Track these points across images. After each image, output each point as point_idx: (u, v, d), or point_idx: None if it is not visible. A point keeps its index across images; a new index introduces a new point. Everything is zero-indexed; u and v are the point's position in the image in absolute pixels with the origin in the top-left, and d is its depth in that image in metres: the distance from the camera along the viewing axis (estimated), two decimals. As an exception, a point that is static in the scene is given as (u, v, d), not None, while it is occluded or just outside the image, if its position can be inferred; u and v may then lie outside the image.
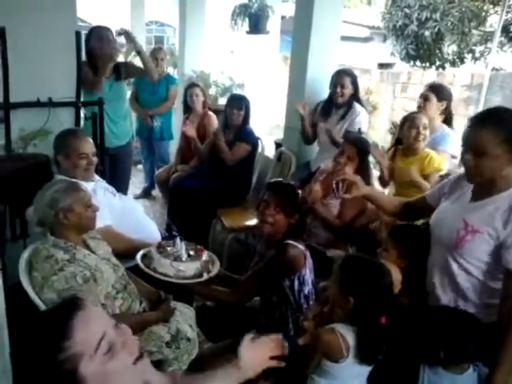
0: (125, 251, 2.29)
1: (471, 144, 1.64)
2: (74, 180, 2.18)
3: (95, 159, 2.50)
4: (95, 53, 3.41)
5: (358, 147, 2.86)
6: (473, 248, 1.70)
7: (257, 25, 5.86)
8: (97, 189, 2.46)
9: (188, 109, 4.38)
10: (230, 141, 3.78)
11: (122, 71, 3.55)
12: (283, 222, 2.13)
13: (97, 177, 2.63)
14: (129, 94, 4.14)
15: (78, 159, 2.41)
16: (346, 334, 1.64)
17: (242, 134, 3.79)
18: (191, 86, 4.41)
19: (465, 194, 1.81)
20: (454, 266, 1.77)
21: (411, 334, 1.86)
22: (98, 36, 3.40)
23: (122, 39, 3.64)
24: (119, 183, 3.49)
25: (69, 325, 1.10)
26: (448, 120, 3.27)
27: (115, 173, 3.56)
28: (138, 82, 4.71)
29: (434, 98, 3.20)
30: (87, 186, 2.26)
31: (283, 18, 7.96)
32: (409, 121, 2.99)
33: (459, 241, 1.72)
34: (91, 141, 2.57)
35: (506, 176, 1.66)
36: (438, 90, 3.24)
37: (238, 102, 3.78)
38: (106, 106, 3.35)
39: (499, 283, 1.69)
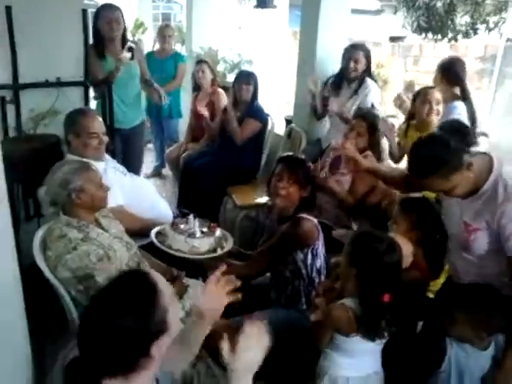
0: (137, 230, 2.31)
1: (432, 190, 1.73)
2: (84, 160, 2.18)
3: (105, 138, 2.50)
4: (103, 35, 3.31)
5: (368, 122, 2.82)
6: (479, 244, 1.72)
7: (264, -1, 5.75)
8: (108, 168, 2.46)
9: (197, 86, 4.35)
10: (240, 117, 3.75)
11: (134, 51, 3.43)
12: (296, 194, 2.14)
13: (107, 156, 2.63)
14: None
15: (88, 138, 2.40)
16: (357, 309, 1.66)
17: (252, 110, 3.75)
18: (199, 63, 4.36)
19: None
20: (470, 257, 1.79)
21: (436, 311, 1.88)
22: (106, 18, 3.27)
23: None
24: (132, 163, 3.51)
25: (156, 294, 1.15)
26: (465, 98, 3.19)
27: (128, 153, 3.56)
28: (146, 59, 4.67)
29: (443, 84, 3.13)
30: (98, 165, 2.28)
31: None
32: (422, 95, 2.94)
33: (466, 242, 1.75)
34: (101, 120, 2.56)
35: (478, 174, 1.66)
36: (448, 74, 3.16)
37: (247, 78, 3.75)
38: (117, 88, 3.33)
39: None
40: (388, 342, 1.75)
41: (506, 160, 1.75)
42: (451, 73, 3.16)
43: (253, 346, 1.27)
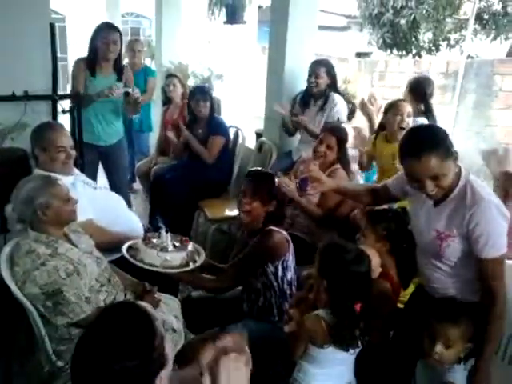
0: (107, 244, 2.29)
1: (423, 175, 1.66)
2: (50, 174, 2.15)
3: (73, 153, 2.47)
4: (99, 54, 3.29)
5: (337, 136, 2.88)
6: (452, 251, 1.75)
7: (234, 15, 5.85)
8: (76, 182, 2.43)
9: (167, 100, 4.35)
10: (202, 135, 3.77)
11: (124, 73, 3.42)
12: (260, 209, 2.15)
13: (76, 171, 2.60)
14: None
15: (55, 152, 2.38)
16: (330, 320, 1.68)
17: (213, 125, 3.78)
18: (169, 77, 4.38)
19: (426, 198, 1.81)
20: (441, 265, 1.82)
21: (406, 323, 1.91)
22: (105, 38, 3.24)
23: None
24: (117, 180, 3.51)
25: (153, 324, 1.10)
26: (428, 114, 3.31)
27: (111, 171, 3.54)
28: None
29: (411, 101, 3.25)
30: (66, 179, 2.25)
31: (260, 7, 7.93)
32: (394, 108, 3.04)
33: (438, 249, 1.77)
34: (69, 134, 2.54)
35: (452, 178, 1.70)
36: (415, 91, 3.31)
37: (202, 94, 3.77)
38: (100, 105, 3.31)
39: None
40: (361, 352, 1.78)
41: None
42: (418, 91, 3.30)
43: (234, 378, 1.20)
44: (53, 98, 3.33)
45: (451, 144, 1.69)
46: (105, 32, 3.26)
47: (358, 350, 1.75)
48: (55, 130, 2.43)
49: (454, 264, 1.77)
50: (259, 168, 2.41)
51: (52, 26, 3.22)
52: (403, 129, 2.92)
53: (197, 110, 3.75)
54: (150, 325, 1.09)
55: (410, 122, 3.01)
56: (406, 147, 1.71)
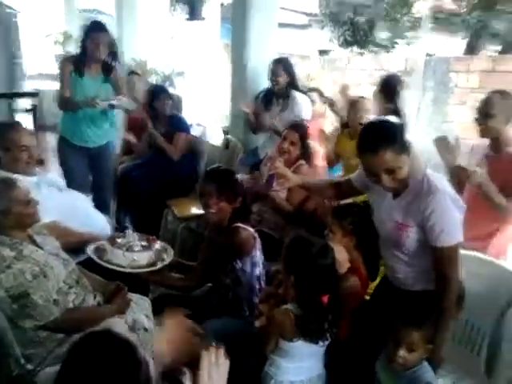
0: (74, 245, 2.25)
1: (379, 168, 1.73)
2: (9, 176, 2.09)
3: (36, 153, 2.42)
4: (88, 55, 3.19)
5: (299, 132, 2.94)
6: (411, 241, 1.81)
7: (194, 11, 5.82)
8: (40, 183, 2.38)
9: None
10: (164, 133, 3.76)
11: (113, 75, 3.33)
12: (227, 207, 2.18)
13: (40, 171, 2.54)
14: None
15: (18, 152, 2.32)
16: (299, 313, 1.72)
17: (175, 123, 3.80)
18: (130, 74, 4.33)
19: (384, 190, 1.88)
20: (402, 256, 1.88)
21: (372, 314, 1.96)
22: (95, 39, 3.14)
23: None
24: (101, 182, 3.46)
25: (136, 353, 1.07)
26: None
27: (97, 172, 3.47)
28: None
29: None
30: (29, 180, 2.21)
31: (222, 5, 7.91)
32: (355, 105, 3.10)
33: (399, 240, 1.83)
34: (31, 133, 2.48)
35: (407, 171, 1.77)
36: (385, 90, 3.34)
37: (164, 93, 3.82)
38: (89, 108, 3.17)
39: None
40: (330, 344, 1.82)
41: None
42: (388, 89, 3.34)
43: (214, 375, 1.22)
44: (9, 97, 3.25)
45: (405, 138, 1.76)
46: (95, 33, 3.16)
47: (327, 343, 1.79)
48: (17, 130, 2.38)
49: (413, 254, 1.84)
50: (217, 166, 2.41)
51: (7, 21, 3.13)
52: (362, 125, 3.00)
53: (162, 109, 3.75)
54: (132, 355, 1.06)
55: (370, 118, 3.08)
56: (363, 142, 1.77)
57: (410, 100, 5.60)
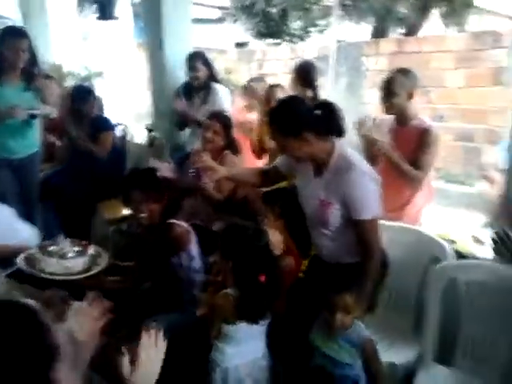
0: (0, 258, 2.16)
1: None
2: None
3: None
4: (5, 62, 3.00)
5: (221, 121, 2.96)
6: (335, 218, 1.91)
7: (104, 10, 5.67)
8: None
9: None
10: (90, 133, 3.66)
11: (37, 81, 3.16)
12: (156, 207, 2.19)
13: None
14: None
15: None
16: (238, 295, 1.77)
17: (100, 122, 3.72)
18: (45, 78, 4.14)
19: (309, 170, 2.00)
20: (327, 232, 1.98)
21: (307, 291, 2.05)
22: (11, 44, 2.94)
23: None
24: (29, 193, 3.32)
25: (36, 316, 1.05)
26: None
27: (22, 184, 3.29)
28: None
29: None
30: None
31: (133, 3, 7.74)
32: (269, 93, 3.18)
33: (322, 217, 1.94)
34: None
35: (323, 151, 1.90)
36: (300, 77, 3.38)
37: (87, 93, 3.73)
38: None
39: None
40: (271, 325, 1.89)
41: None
42: (304, 75, 3.38)
43: (153, 356, 1.26)
44: None
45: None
46: (12, 37, 2.95)
47: (267, 322, 1.86)
48: None
49: (337, 230, 1.94)
50: (135, 168, 2.39)
51: None
52: None
53: (86, 109, 3.64)
54: (32, 318, 1.05)
55: None
56: (283, 127, 1.90)
57: (325, 86, 5.82)
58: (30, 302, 1.13)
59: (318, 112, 1.88)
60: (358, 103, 6.20)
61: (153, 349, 1.26)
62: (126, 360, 1.24)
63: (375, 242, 1.89)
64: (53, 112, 3.15)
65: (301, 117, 1.86)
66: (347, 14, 8.81)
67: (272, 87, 3.30)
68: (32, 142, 3.29)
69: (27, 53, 3.00)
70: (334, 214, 1.90)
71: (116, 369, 1.24)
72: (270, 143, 3.20)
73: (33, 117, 3.04)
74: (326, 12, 8.99)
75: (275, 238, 2.10)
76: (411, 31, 8.63)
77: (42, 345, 1.03)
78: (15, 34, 2.99)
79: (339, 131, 1.91)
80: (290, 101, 2.03)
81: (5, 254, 2.20)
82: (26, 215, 2.83)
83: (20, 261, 2.08)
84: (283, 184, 2.65)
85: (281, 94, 3.10)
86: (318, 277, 2.02)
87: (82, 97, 3.67)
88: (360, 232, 1.89)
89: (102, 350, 1.37)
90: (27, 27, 5.38)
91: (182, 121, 3.70)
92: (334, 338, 1.81)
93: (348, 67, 6.59)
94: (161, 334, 1.28)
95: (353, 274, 1.88)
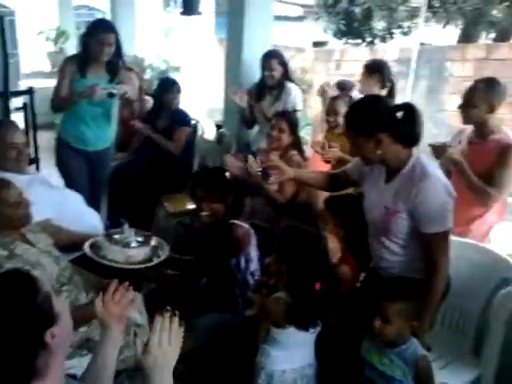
0: (67, 243, 2.26)
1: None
2: (4, 174, 2.10)
3: (27, 150, 2.42)
4: (91, 55, 3.02)
5: (287, 119, 2.93)
6: (398, 227, 1.82)
7: (190, 6, 5.78)
8: (33, 182, 2.39)
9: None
10: (165, 126, 3.74)
11: (119, 75, 3.16)
12: (219, 207, 2.19)
13: (32, 170, 2.55)
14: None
15: (7, 150, 2.32)
16: (290, 300, 1.73)
17: (179, 117, 3.76)
18: (126, 70, 4.30)
19: (380, 175, 1.91)
20: (388, 243, 1.89)
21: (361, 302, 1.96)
22: (98, 39, 2.94)
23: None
24: (99, 184, 3.40)
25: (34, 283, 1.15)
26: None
27: (94, 176, 3.35)
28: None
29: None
30: (22, 179, 2.21)
31: (217, -2, 7.87)
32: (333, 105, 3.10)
33: (386, 225, 1.84)
34: (21, 131, 2.48)
35: (397, 156, 1.80)
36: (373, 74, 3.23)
37: (173, 86, 3.75)
38: (90, 108, 3.08)
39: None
40: (320, 335, 1.83)
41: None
42: (378, 73, 3.20)
43: (165, 341, 1.27)
44: (4, 95, 3.25)
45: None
46: (99, 31, 2.97)
47: (317, 330, 1.80)
48: (7, 127, 2.37)
49: (401, 241, 1.85)
50: (205, 166, 2.40)
51: (1, 20, 3.13)
52: None
53: (168, 102, 3.71)
54: (29, 284, 1.13)
55: None
56: (358, 125, 1.84)
57: (404, 89, 5.61)
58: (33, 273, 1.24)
59: (397, 114, 1.79)
60: (437, 109, 5.92)
61: (165, 334, 1.27)
62: (139, 341, 1.28)
63: (443, 259, 1.78)
64: (129, 91, 3.09)
65: (376, 116, 1.78)
66: (434, 16, 8.44)
67: (335, 99, 3.20)
68: (107, 135, 3.33)
69: (113, 46, 3.03)
70: (399, 224, 1.81)
71: None
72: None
73: (111, 95, 2.99)
74: (412, 13, 8.67)
75: (333, 246, 2.03)
76: (503, 37, 8.10)
77: (38, 309, 1.11)
78: (104, 28, 3.01)
79: (417, 138, 1.80)
80: (368, 99, 1.97)
81: (74, 240, 2.29)
82: (91, 201, 2.91)
83: (86, 246, 2.16)
84: (350, 191, 2.57)
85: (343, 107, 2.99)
86: (374, 289, 1.93)
87: (167, 88, 3.75)
88: (427, 246, 1.79)
89: None
90: (114, 18, 5.67)
91: (251, 118, 3.69)
92: (385, 352, 1.73)
93: (430, 71, 6.30)
94: (176, 319, 1.30)
95: (413, 290, 1.78)
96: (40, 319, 1.10)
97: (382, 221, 1.86)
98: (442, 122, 5.64)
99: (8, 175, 2.11)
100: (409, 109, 1.79)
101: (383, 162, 1.84)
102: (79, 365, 1.62)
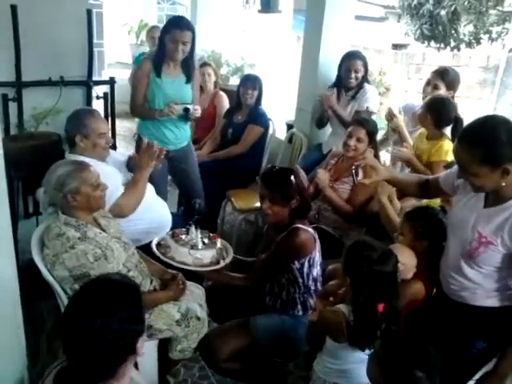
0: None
1: (457, 161, 1.62)
2: (84, 159, 2.18)
3: (111, 139, 2.52)
4: (166, 53, 2.97)
5: (366, 128, 2.82)
6: (487, 258, 1.65)
7: (268, 3, 5.77)
8: (110, 170, 2.45)
9: (200, 88, 4.35)
10: (242, 122, 3.77)
11: (193, 76, 3.13)
12: (281, 210, 2.12)
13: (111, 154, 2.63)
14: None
15: (97, 139, 2.39)
16: (350, 316, 1.66)
17: (255, 115, 3.77)
18: (203, 65, 4.37)
19: (478, 196, 1.71)
20: (468, 269, 1.73)
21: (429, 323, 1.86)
22: (174, 36, 2.88)
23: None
24: (191, 189, 3.37)
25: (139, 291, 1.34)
26: None
27: (178, 174, 3.38)
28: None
29: (443, 88, 3.08)
30: (101, 165, 2.30)
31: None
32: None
33: (473, 251, 1.67)
34: (105, 120, 2.58)
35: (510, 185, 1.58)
36: (447, 78, 3.09)
37: (253, 82, 3.76)
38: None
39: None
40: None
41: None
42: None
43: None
44: (88, 84, 3.38)
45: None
46: (175, 29, 2.89)
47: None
48: (96, 117, 2.44)
49: (484, 270, 1.69)
50: (273, 166, 2.33)
51: (89, 12, 3.26)
52: None
53: (244, 98, 3.75)
54: (136, 291, 1.29)
55: None
56: (463, 129, 1.68)
57: (487, 99, 5.29)
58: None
59: None
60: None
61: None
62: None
63: None
64: (197, 112, 3.07)
65: (506, 145, 1.51)
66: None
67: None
68: (187, 133, 3.28)
69: (189, 45, 2.97)
70: (489, 255, 1.64)
71: None
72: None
73: (187, 111, 3.00)
74: (503, 18, 8.16)
75: (409, 260, 1.92)
76: None
77: (142, 320, 1.28)
78: (181, 26, 2.92)
79: None
80: (488, 124, 1.58)
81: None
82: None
83: (153, 246, 2.19)
84: (437, 202, 2.44)
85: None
86: (439, 312, 1.80)
87: (243, 84, 3.78)
88: None
89: None
90: (194, 13, 5.76)
91: (323, 119, 3.62)
92: None
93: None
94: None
95: (491, 320, 1.65)
96: (140, 325, 1.26)
97: (469, 246, 1.68)
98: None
99: (89, 160, 2.18)
100: None
101: (496, 191, 1.63)
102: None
